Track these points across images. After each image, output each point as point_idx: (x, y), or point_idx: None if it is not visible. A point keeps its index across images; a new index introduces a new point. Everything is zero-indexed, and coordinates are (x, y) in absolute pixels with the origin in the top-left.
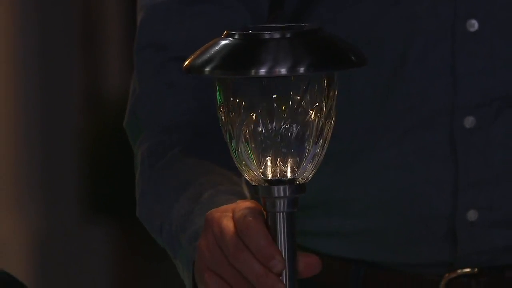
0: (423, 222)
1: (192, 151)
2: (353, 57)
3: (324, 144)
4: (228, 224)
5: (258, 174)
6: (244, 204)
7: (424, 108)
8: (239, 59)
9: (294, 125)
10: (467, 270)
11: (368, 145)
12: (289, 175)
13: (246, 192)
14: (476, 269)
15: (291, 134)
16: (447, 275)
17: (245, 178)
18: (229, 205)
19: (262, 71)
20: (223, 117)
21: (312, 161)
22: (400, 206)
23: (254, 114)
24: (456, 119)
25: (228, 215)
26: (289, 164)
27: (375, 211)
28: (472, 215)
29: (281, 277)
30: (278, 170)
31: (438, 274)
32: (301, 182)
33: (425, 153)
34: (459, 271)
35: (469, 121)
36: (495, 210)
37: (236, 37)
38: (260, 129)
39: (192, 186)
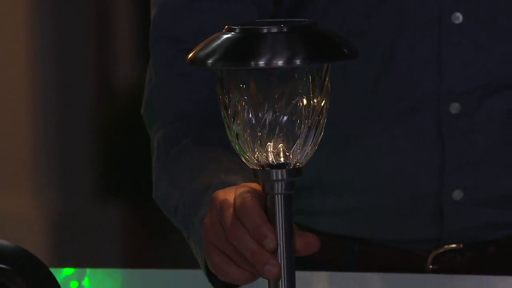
0: (413, 202)
1: (204, 139)
2: (345, 50)
3: (317, 131)
4: (228, 203)
5: (254, 159)
6: (245, 186)
7: (413, 95)
8: (239, 52)
9: (286, 114)
10: (453, 246)
11: (361, 130)
12: (283, 160)
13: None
14: (461, 245)
15: (283, 122)
16: (434, 250)
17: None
18: (233, 187)
19: (261, 63)
20: (222, 105)
21: (305, 147)
22: (391, 186)
23: (249, 103)
24: (443, 105)
25: (230, 195)
26: (282, 150)
27: (368, 192)
28: (457, 194)
29: (278, 256)
30: (272, 156)
31: (426, 250)
32: (297, 166)
33: (414, 137)
34: (445, 246)
35: (454, 107)
36: (479, 190)
37: (236, 31)
38: (254, 117)
39: (204, 171)
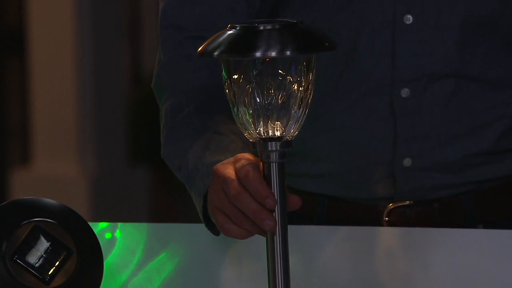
0: (371, 167)
1: (203, 108)
2: (326, 43)
3: (305, 110)
4: (230, 173)
5: (254, 133)
6: (242, 157)
7: (371, 81)
8: (240, 45)
9: (281, 96)
10: (405, 203)
11: (329, 108)
12: (278, 133)
13: (243, 138)
14: (411, 202)
15: (279, 103)
16: (390, 205)
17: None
18: (230, 159)
19: (258, 54)
20: (227, 90)
21: (296, 123)
22: (354, 155)
23: (250, 87)
24: (395, 90)
25: (229, 166)
26: (278, 125)
27: (335, 158)
28: (407, 162)
29: (274, 212)
30: (270, 130)
31: (382, 206)
32: (288, 139)
33: (372, 115)
34: (399, 203)
35: (405, 92)
36: (424, 158)
37: (237, 28)
38: (255, 98)
39: (203, 135)
